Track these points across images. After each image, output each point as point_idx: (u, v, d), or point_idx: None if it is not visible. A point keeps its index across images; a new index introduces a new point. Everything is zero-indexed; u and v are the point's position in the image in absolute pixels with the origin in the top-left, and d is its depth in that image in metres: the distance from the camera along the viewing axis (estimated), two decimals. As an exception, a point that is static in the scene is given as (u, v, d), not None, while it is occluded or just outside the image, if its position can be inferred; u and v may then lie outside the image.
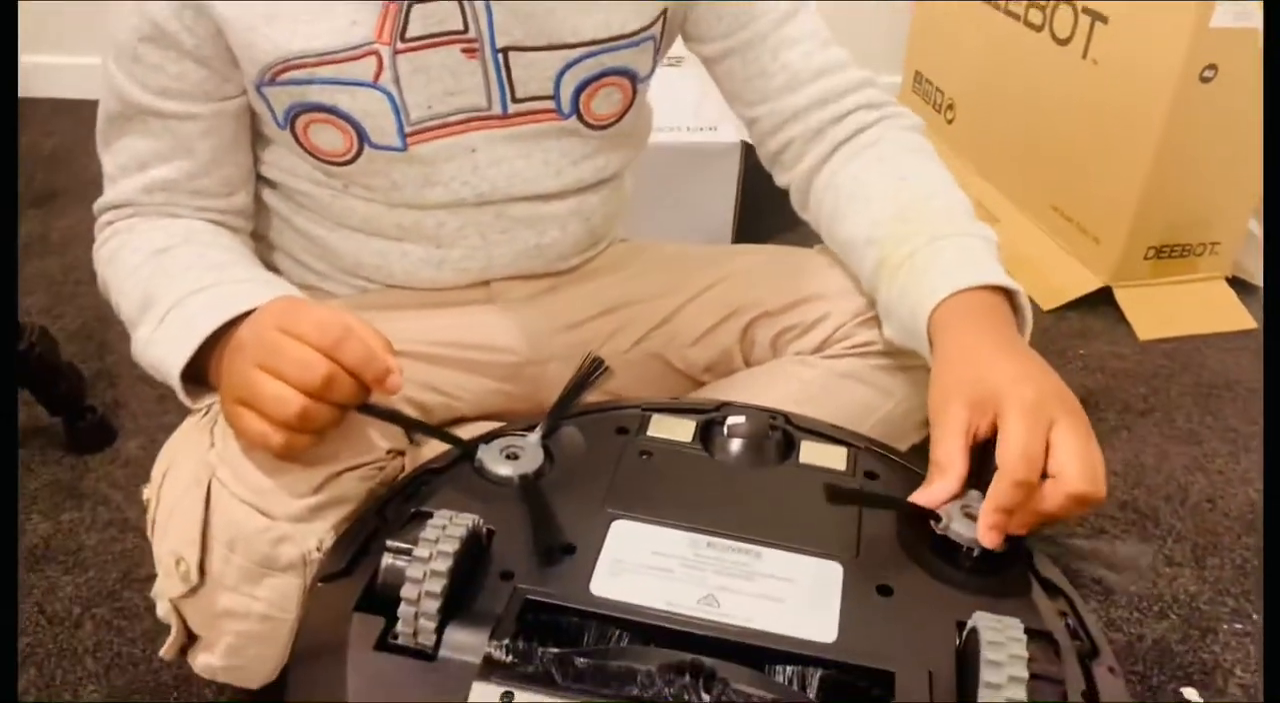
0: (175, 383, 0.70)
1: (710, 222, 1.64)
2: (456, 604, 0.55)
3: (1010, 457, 0.61)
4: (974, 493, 0.63)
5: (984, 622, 0.52)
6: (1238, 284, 1.72)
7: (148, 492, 0.74)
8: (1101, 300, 1.68)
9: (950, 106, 2.06)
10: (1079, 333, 1.62)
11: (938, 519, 0.62)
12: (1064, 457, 0.61)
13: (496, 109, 0.80)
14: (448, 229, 0.84)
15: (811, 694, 0.53)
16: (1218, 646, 1.08)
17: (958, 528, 0.61)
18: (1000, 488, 0.60)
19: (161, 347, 0.71)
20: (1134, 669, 1.04)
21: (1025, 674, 0.49)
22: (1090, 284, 1.68)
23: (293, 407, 0.61)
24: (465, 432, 0.73)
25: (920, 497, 0.63)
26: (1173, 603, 1.13)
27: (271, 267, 0.88)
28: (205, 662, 0.75)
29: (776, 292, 0.90)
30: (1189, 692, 1.02)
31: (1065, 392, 0.65)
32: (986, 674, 0.49)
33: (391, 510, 0.65)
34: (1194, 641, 1.08)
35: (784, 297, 0.90)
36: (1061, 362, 1.54)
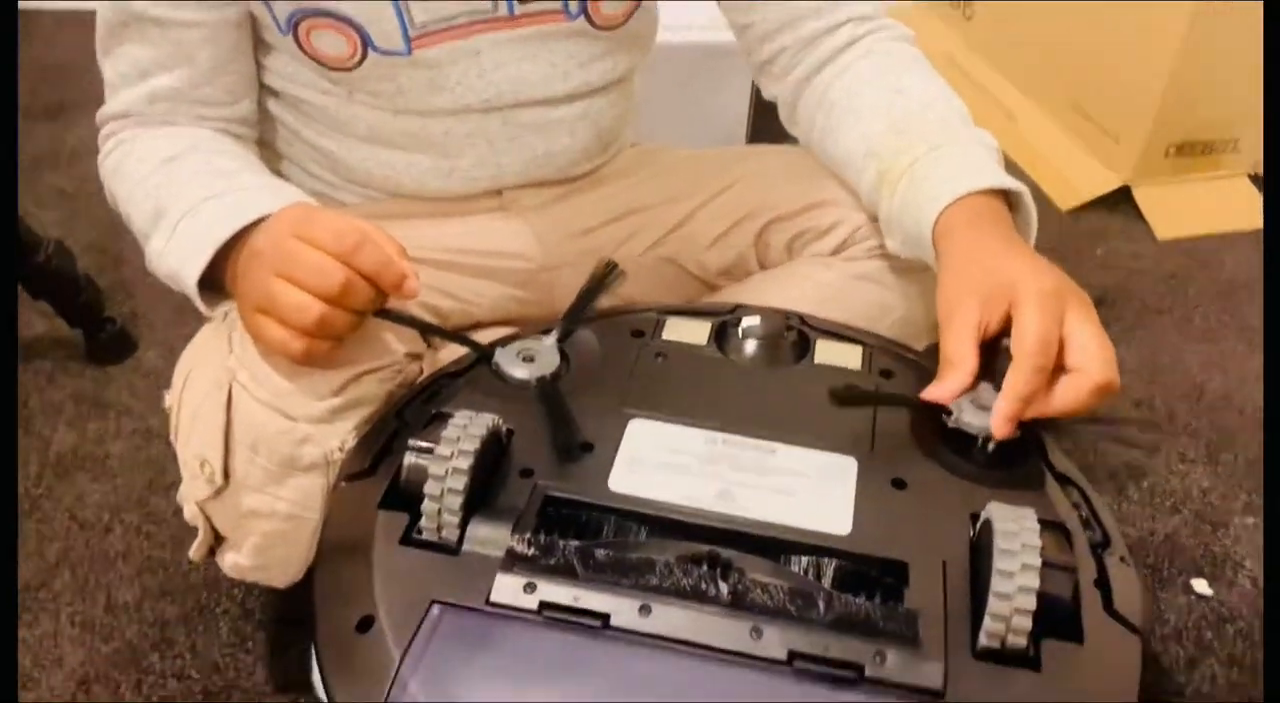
0: (192, 292, 0.71)
1: (723, 123, 1.61)
2: (479, 501, 0.56)
3: (1027, 343, 0.61)
4: (985, 385, 0.63)
5: (997, 512, 0.52)
6: (1260, 182, 1.70)
7: (169, 398, 0.75)
8: (1120, 200, 1.66)
9: (969, 3, 2.01)
10: (1097, 233, 1.61)
11: (949, 413, 0.62)
12: (1083, 349, 0.61)
13: (503, 11, 0.78)
14: (454, 137, 0.83)
15: (826, 584, 0.54)
16: (1228, 539, 1.09)
17: (969, 419, 0.61)
18: (1018, 375, 0.60)
19: (176, 257, 0.71)
20: (1146, 563, 1.06)
21: (1038, 563, 0.49)
22: (1109, 183, 1.66)
23: (311, 314, 0.61)
24: (481, 336, 0.73)
25: (932, 391, 0.63)
26: (1185, 498, 1.14)
27: (281, 176, 0.87)
28: (233, 561, 0.77)
29: (792, 195, 0.89)
30: (1198, 583, 1.04)
31: (1075, 285, 0.65)
32: (1000, 563, 0.49)
33: (411, 412, 0.66)
34: (1205, 535, 1.09)
35: (799, 200, 0.88)
36: (1079, 261, 1.53)
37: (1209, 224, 1.62)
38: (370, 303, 0.63)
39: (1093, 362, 0.61)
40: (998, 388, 0.61)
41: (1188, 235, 1.60)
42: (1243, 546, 1.08)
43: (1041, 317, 0.61)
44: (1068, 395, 0.61)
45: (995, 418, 0.60)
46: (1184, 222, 1.62)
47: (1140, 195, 1.65)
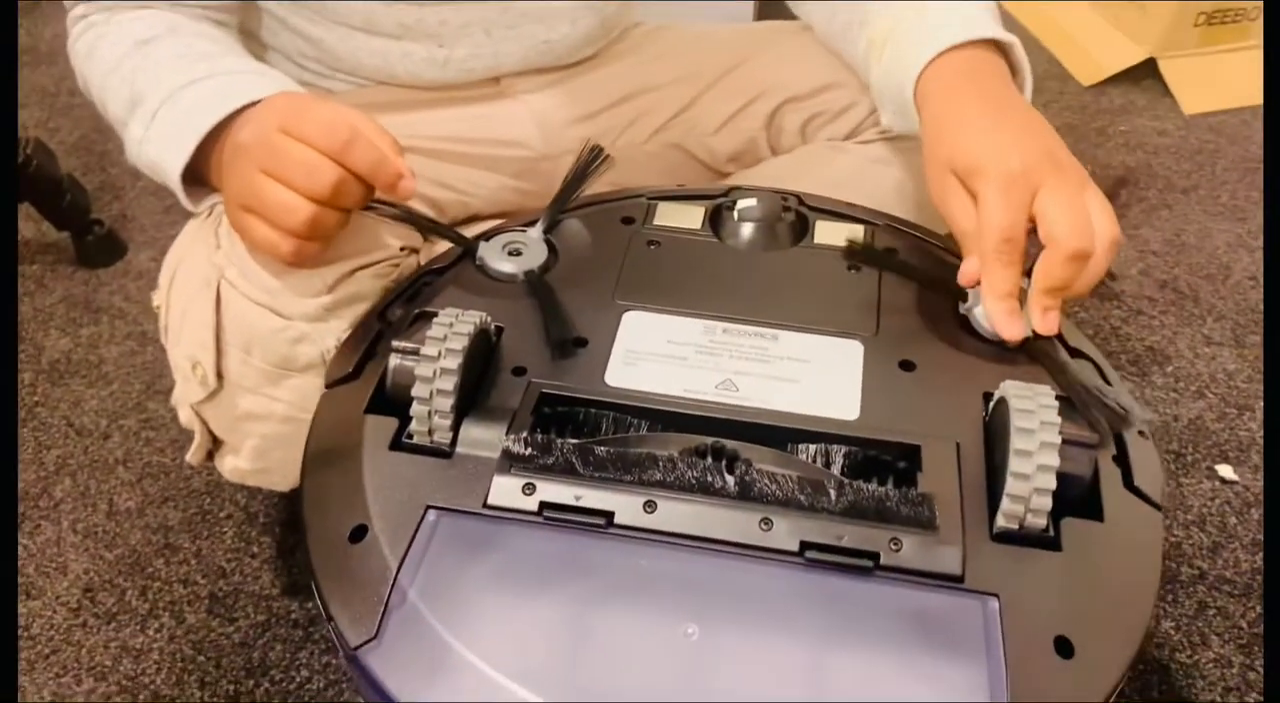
0: (175, 185, 0.67)
1: (728, 5, 1.55)
2: (470, 401, 0.53)
3: (988, 243, 0.57)
4: None
5: (1013, 390, 0.50)
6: (1293, 51, 1.63)
7: (157, 298, 0.73)
8: (1145, 74, 1.59)
9: None
10: (1120, 109, 1.55)
11: (964, 298, 0.59)
12: (1050, 219, 0.57)
13: None
14: (451, 27, 0.79)
15: (836, 472, 0.52)
16: (1254, 423, 1.06)
17: (982, 320, 0.59)
18: (990, 276, 0.57)
19: (156, 146, 0.68)
20: (1169, 449, 1.03)
21: (1057, 440, 0.47)
22: (1134, 56, 1.59)
23: (301, 215, 0.58)
24: (480, 229, 0.70)
25: (965, 271, 0.60)
26: (1210, 382, 1.11)
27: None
28: (233, 465, 0.75)
29: (806, 74, 0.85)
30: (1223, 468, 1.01)
31: (1055, 150, 0.60)
32: (1017, 442, 0.47)
33: (394, 313, 0.63)
34: (1230, 419, 1.07)
35: (814, 80, 0.84)
36: (1102, 139, 1.47)
37: (1238, 97, 1.55)
38: (362, 201, 0.60)
39: (1058, 230, 0.56)
40: None
41: (1215, 110, 1.54)
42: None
43: (1001, 209, 0.57)
44: (1047, 270, 0.57)
45: (995, 324, 0.57)
46: (1212, 95, 1.55)
47: (1166, 68, 1.58)
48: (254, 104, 0.63)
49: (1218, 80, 1.57)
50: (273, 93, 0.64)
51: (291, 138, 0.58)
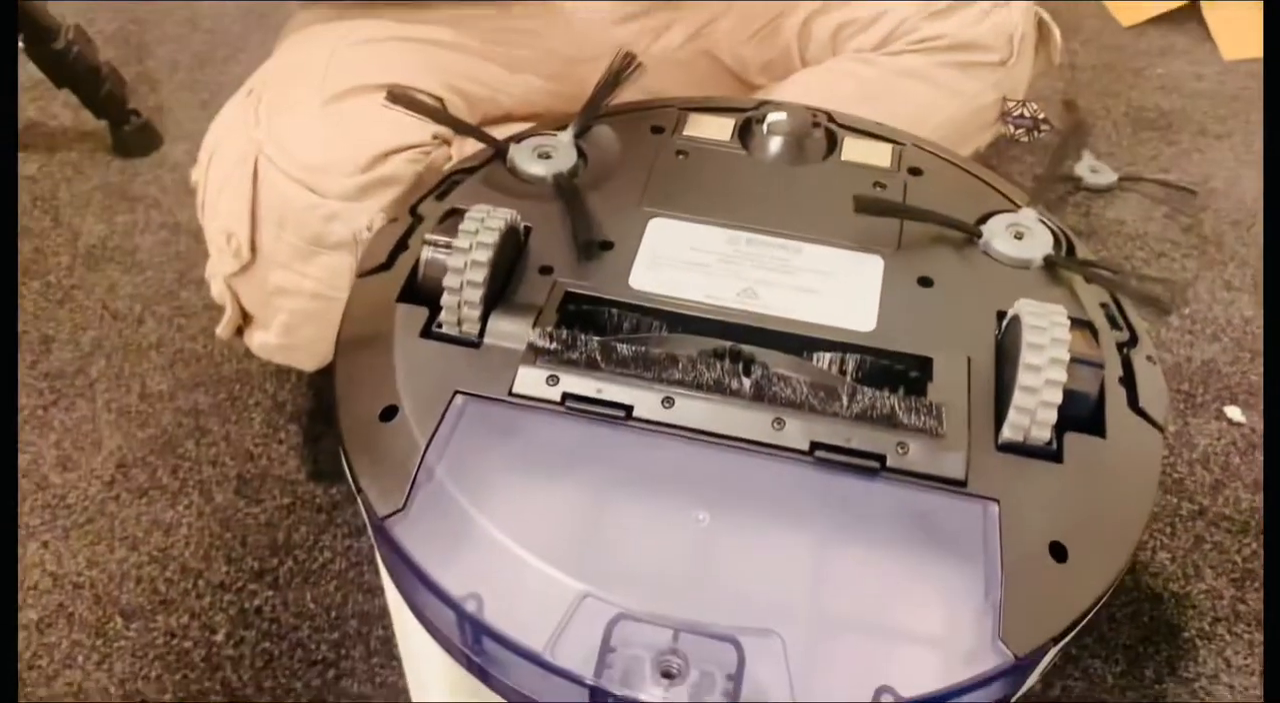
0: None
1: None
2: (498, 296, 0.55)
3: None
4: (1026, 211, 0.61)
5: (1026, 308, 0.51)
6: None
7: (195, 174, 0.74)
8: (1187, 17, 1.56)
9: None
10: (1159, 51, 1.52)
11: (979, 235, 0.60)
12: None
13: None
14: None
15: (849, 379, 0.54)
16: (1267, 367, 1.07)
17: (999, 247, 0.60)
18: None
19: None
20: (1180, 389, 1.05)
21: (1066, 357, 0.48)
22: (1177, -2, 1.56)
23: None
24: (513, 130, 0.71)
25: None
26: (1226, 326, 1.11)
27: None
28: (261, 341, 0.77)
29: None
30: (1232, 410, 1.03)
31: None
32: (1027, 356, 0.48)
33: (425, 208, 0.64)
34: (1244, 363, 1.08)
35: None
36: (1138, 81, 1.45)
37: (1282, 44, 1.53)
38: None
39: None
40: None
41: (1256, 57, 1.52)
42: (1281, 374, 1.06)
43: None
44: None
45: None
46: (1253, 41, 1.53)
47: (1209, 12, 1.55)
48: None
49: (1260, 26, 1.54)
50: None
51: None
